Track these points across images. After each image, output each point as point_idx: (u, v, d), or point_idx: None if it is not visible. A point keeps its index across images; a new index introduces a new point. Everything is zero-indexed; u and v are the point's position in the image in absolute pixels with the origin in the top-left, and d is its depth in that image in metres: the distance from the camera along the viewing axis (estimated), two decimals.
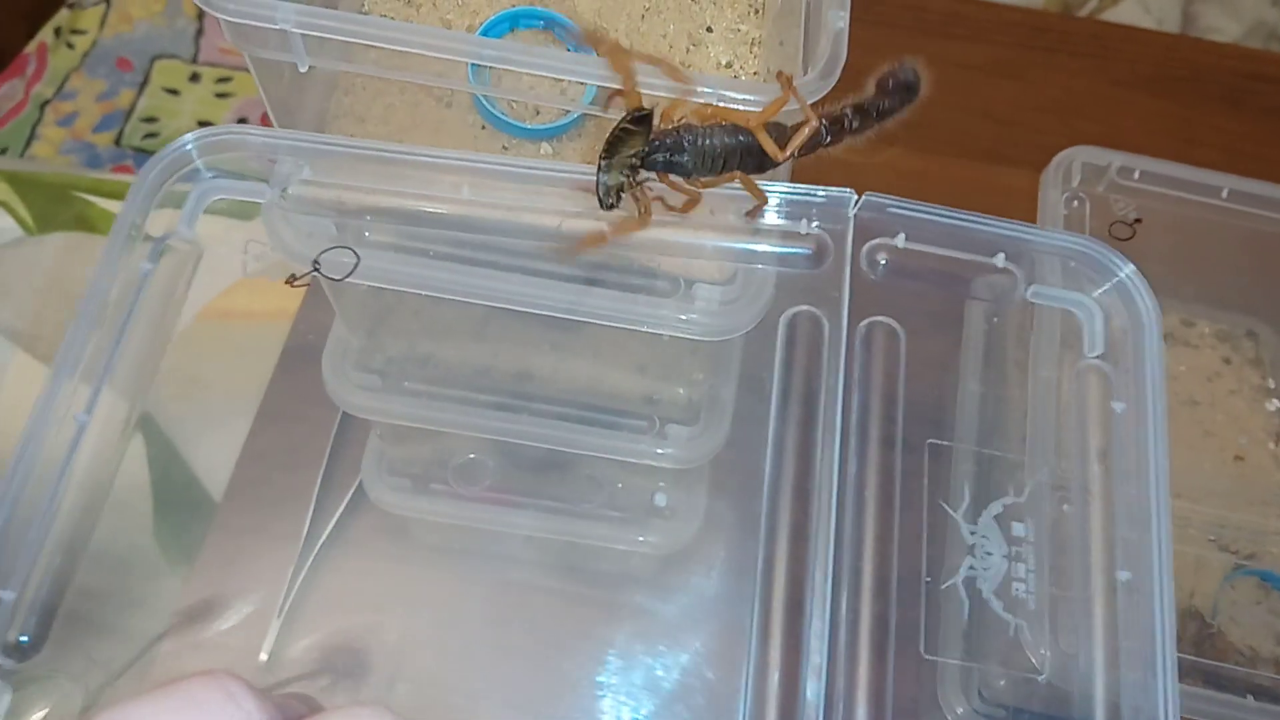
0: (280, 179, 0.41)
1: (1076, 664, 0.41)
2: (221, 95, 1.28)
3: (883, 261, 0.42)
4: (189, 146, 0.41)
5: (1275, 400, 0.63)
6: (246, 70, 1.47)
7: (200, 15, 1.36)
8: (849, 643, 0.40)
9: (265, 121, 0.43)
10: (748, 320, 0.41)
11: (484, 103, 0.40)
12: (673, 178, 0.37)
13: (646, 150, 0.35)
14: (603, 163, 0.35)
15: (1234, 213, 0.59)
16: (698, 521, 0.61)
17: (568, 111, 0.41)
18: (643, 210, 0.37)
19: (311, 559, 0.67)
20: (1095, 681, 0.40)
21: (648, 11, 0.43)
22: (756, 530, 0.42)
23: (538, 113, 0.41)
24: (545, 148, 0.41)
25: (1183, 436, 0.61)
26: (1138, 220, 0.57)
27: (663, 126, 0.36)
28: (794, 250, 0.41)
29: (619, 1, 0.42)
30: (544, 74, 0.37)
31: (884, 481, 0.47)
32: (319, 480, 0.69)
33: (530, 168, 0.38)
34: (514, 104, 0.41)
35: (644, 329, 0.42)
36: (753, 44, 0.44)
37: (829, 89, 0.33)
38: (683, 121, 0.36)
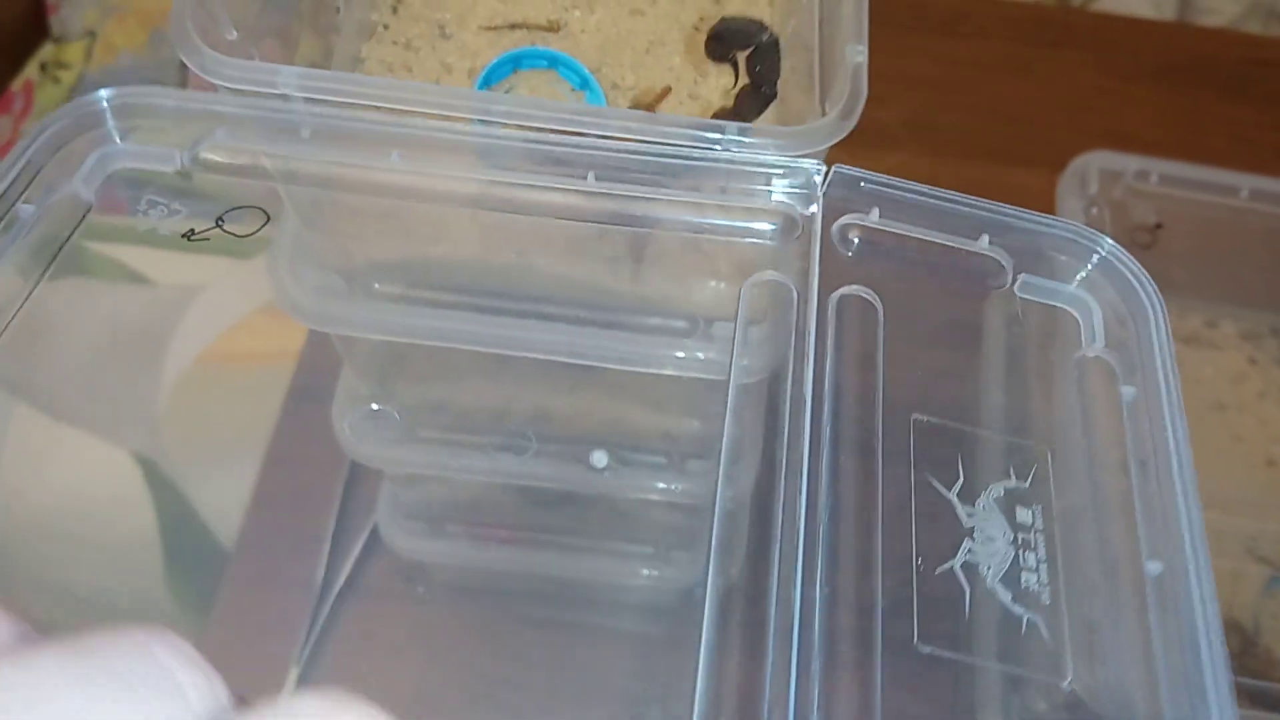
0: (191, 143, 0.38)
1: (1105, 666, 0.39)
2: None
3: (855, 239, 0.39)
4: (102, 104, 0.38)
5: None
6: None
7: None
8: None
9: None
10: (772, 360, 0.40)
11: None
12: None
13: None
14: None
15: (1254, 212, 0.58)
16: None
17: None
18: None
19: (329, 606, 0.65)
20: (1132, 690, 0.38)
21: (651, 45, 0.41)
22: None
23: None
24: None
25: (1211, 443, 0.60)
26: (1158, 225, 0.56)
27: None
28: (759, 225, 0.38)
29: (623, 37, 0.41)
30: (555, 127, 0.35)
31: (864, 457, 0.44)
32: (332, 525, 0.68)
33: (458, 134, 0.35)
34: None
35: (664, 372, 0.41)
36: None
37: (849, 129, 0.32)
38: None
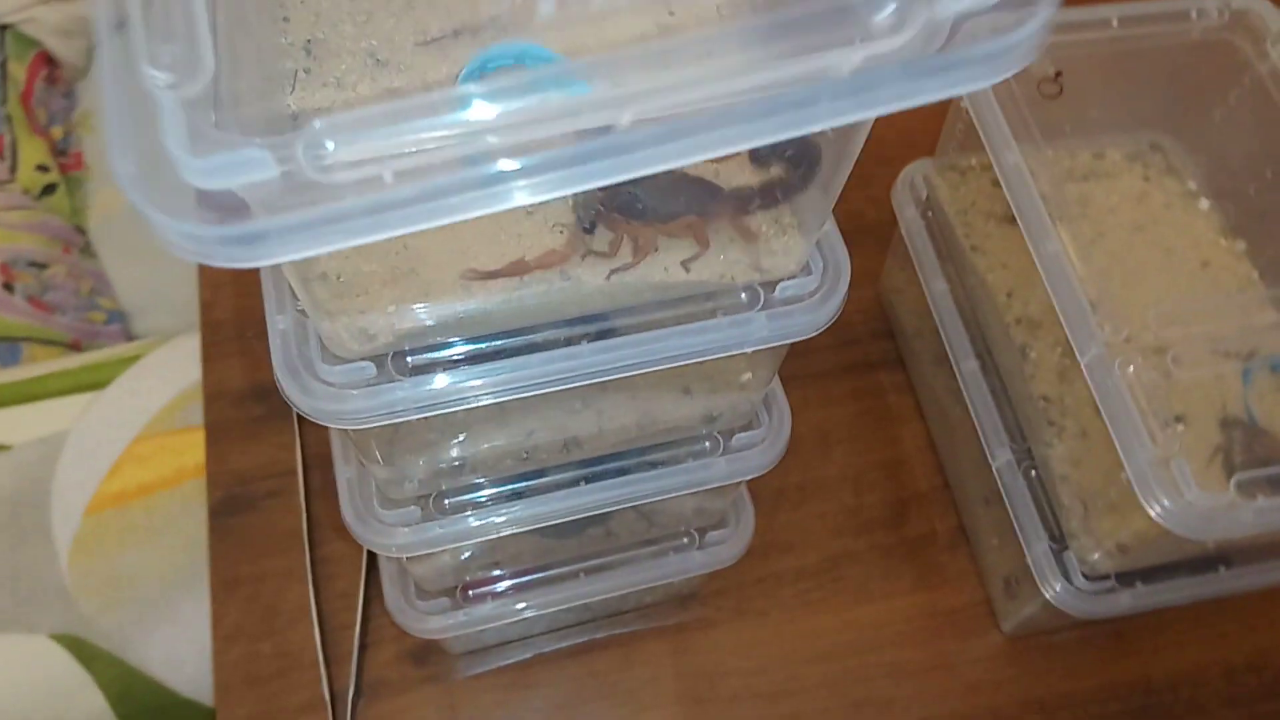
0: None
1: None
2: None
3: None
4: None
5: (1203, 200, 0.65)
6: None
7: None
8: None
9: None
10: (835, 307, 0.38)
11: None
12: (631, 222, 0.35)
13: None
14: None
15: (1122, 39, 0.60)
16: (750, 523, 0.58)
17: None
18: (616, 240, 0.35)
19: (349, 715, 0.59)
20: None
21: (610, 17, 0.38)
22: None
23: None
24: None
25: (1150, 262, 0.62)
26: (1059, 74, 0.57)
27: None
28: None
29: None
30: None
31: None
32: (316, 633, 0.61)
33: None
34: None
35: (730, 354, 0.38)
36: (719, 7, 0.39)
37: None
38: None
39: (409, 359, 0.35)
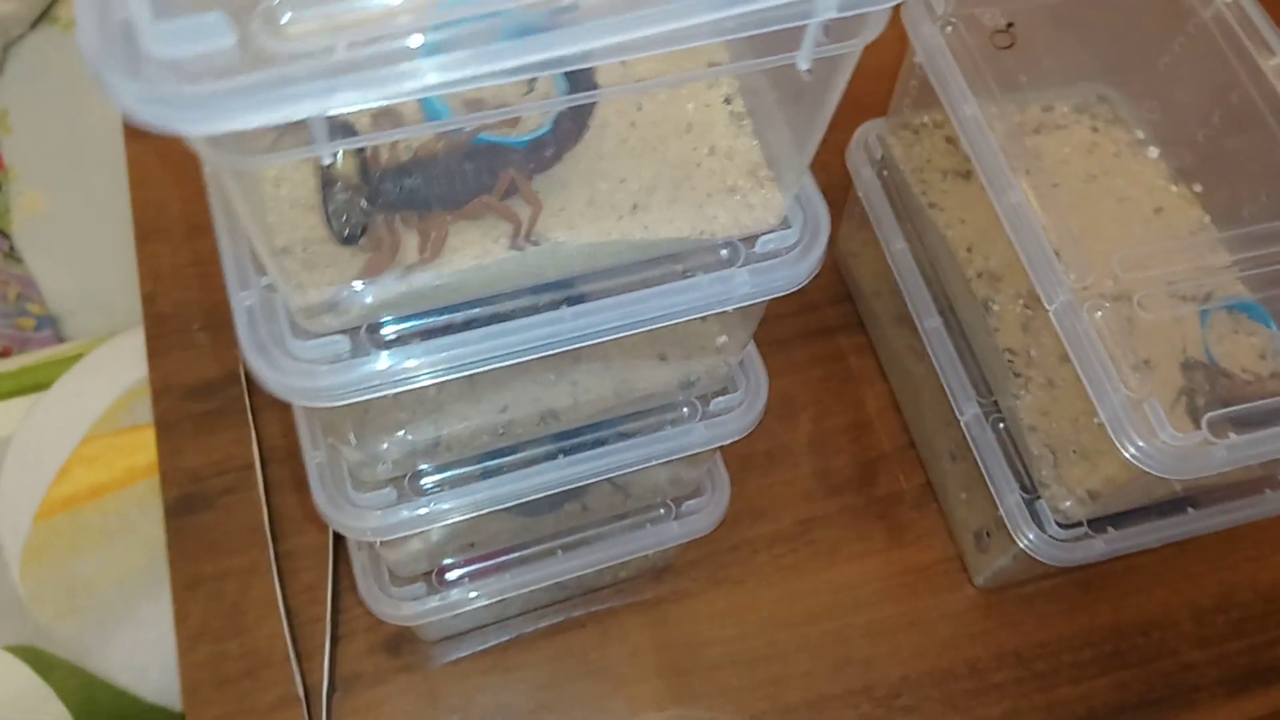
0: None
1: None
2: None
3: None
4: None
5: (1152, 148, 0.66)
6: None
7: None
8: None
9: None
10: (816, 260, 0.37)
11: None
12: (416, 217, 0.33)
13: (374, 182, 0.32)
14: (329, 204, 0.32)
15: None
16: (726, 491, 0.57)
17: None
18: (389, 243, 0.33)
19: (326, 713, 0.58)
20: None
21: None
22: None
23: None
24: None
25: (1105, 210, 0.63)
26: (1010, 25, 0.57)
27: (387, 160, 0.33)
28: None
29: None
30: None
31: None
32: (285, 629, 0.60)
33: None
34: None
35: (713, 312, 0.37)
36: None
37: None
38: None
39: (383, 331, 0.34)
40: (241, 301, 0.34)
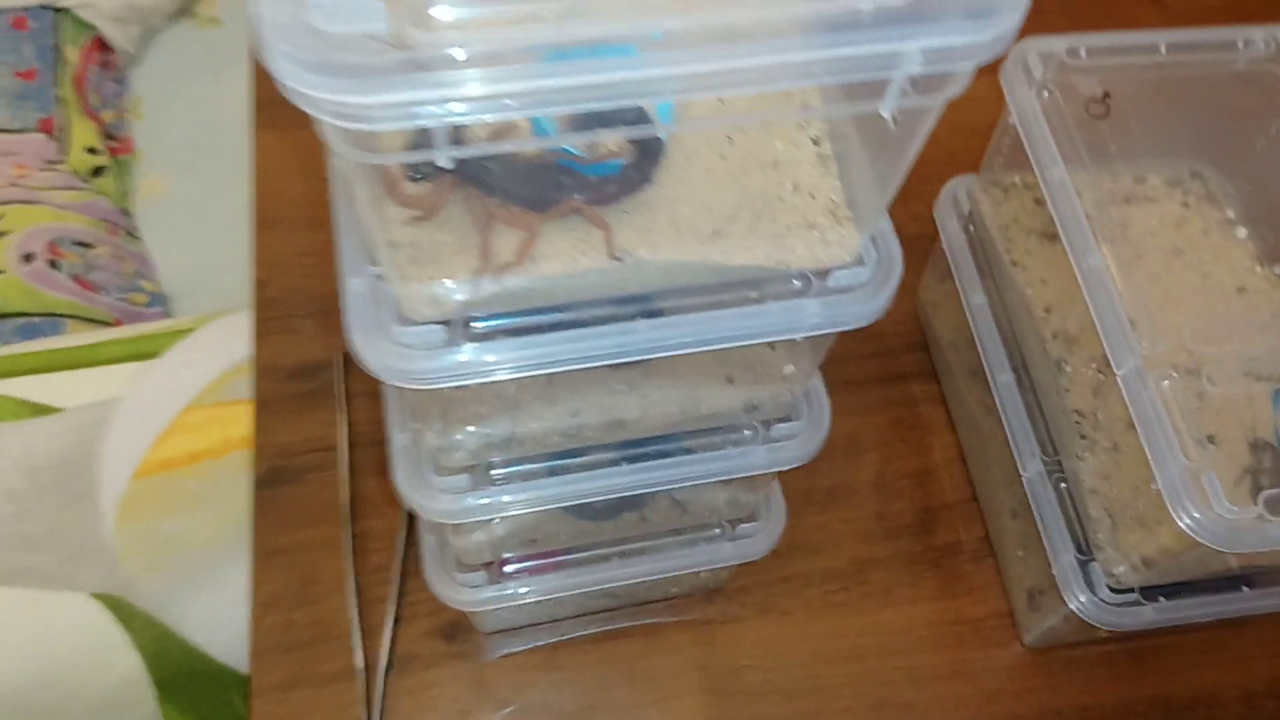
0: None
1: None
2: None
3: None
4: None
5: (1240, 228, 0.66)
6: (16, 203, 1.32)
7: None
8: None
9: None
10: (887, 299, 0.39)
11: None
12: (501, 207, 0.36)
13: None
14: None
15: (1169, 65, 0.61)
16: (781, 518, 0.59)
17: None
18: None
19: (380, 689, 0.61)
20: None
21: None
22: None
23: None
24: None
25: (1186, 284, 0.63)
26: (1106, 95, 0.59)
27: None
28: None
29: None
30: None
31: None
32: (352, 605, 0.63)
33: None
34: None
35: (782, 338, 0.39)
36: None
37: None
38: None
39: (474, 326, 0.37)
40: (352, 287, 0.37)
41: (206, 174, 1.36)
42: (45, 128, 1.28)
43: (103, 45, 1.40)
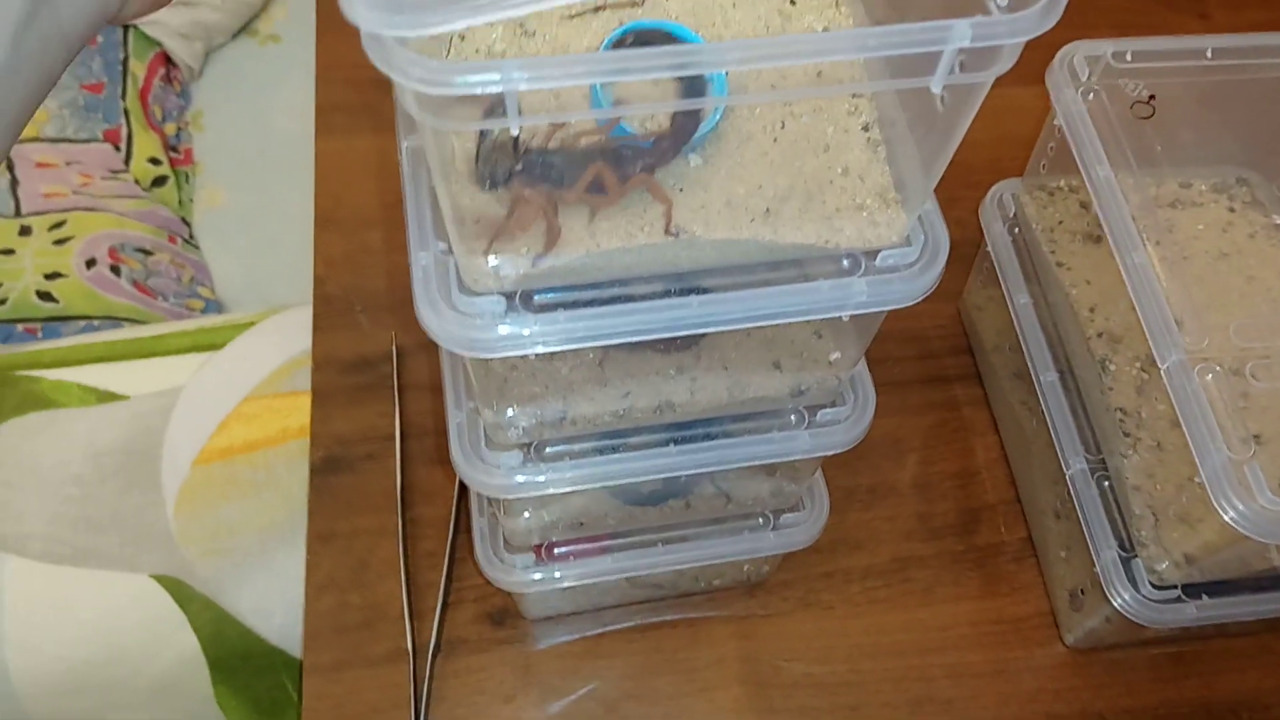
0: None
1: None
2: (60, 241, 1.18)
3: None
4: None
5: None
6: (80, 210, 1.36)
7: (11, 166, 1.26)
8: None
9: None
10: (934, 278, 0.40)
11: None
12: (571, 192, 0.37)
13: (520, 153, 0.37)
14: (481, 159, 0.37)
15: (1215, 69, 0.62)
16: (824, 510, 0.60)
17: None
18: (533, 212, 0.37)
19: (429, 671, 0.62)
20: None
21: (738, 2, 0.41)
22: None
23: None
24: (694, 159, 0.39)
25: (1232, 287, 0.64)
26: (1152, 97, 0.59)
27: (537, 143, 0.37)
28: None
29: None
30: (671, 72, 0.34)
31: None
32: (403, 589, 0.65)
33: None
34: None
35: (830, 316, 0.40)
36: (838, 3, 0.43)
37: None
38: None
39: (535, 299, 0.39)
40: (420, 261, 0.39)
41: (263, 186, 1.40)
42: (110, 138, 1.33)
43: (167, 60, 1.45)
